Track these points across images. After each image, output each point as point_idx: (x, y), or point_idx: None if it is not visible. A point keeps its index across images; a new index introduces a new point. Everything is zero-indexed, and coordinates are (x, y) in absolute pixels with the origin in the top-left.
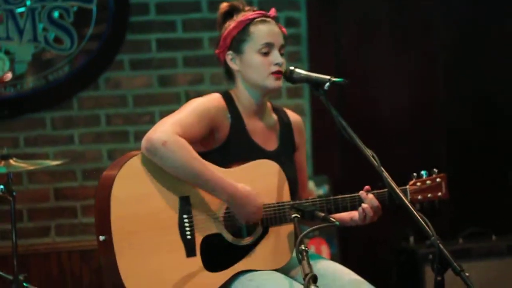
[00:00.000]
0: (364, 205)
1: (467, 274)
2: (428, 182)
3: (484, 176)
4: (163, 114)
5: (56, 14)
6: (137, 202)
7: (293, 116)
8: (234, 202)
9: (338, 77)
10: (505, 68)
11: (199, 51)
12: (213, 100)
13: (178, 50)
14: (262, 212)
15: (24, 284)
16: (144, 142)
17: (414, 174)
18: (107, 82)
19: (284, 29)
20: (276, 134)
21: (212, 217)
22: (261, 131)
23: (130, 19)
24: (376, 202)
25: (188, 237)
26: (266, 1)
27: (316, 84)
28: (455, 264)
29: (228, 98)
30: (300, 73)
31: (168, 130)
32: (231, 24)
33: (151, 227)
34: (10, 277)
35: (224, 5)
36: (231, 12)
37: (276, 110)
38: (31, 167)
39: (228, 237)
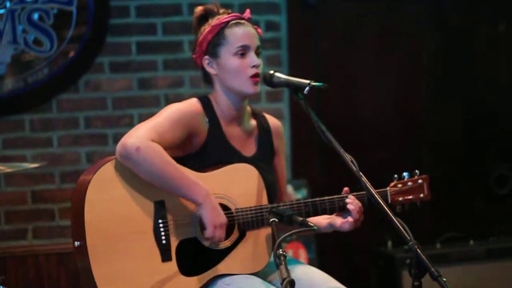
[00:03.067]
0: (350, 212)
1: (444, 279)
2: (409, 183)
3: (463, 181)
4: (143, 117)
5: (36, 16)
6: (111, 206)
7: (272, 121)
8: (203, 211)
9: (318, 82)
10: (490, 71)
11: (179, 54)
12: (190, 105)
13: (158, 53)
14: (224, 232)
15: (1, 287)
16: (118, 147)
17: (396, 175)
18: (86, 85)
19: (260, 30)
20: (255, 139)
21: (188, 222)
22: (239, 136)
23: (110, 21)
24: (359, 204)
25: (163, 241)
26: (246, 4)
27: (295, 88)
28: (432, 269)
29: (206, 103)
30: (280, 77)
31: (142, 136)
32: (206, 29)
33: (125, 232)
34: None
35: (198, 9)
36: (205, 16)
37: (255, 115)
38: (9, 170)
39: (205, 241)
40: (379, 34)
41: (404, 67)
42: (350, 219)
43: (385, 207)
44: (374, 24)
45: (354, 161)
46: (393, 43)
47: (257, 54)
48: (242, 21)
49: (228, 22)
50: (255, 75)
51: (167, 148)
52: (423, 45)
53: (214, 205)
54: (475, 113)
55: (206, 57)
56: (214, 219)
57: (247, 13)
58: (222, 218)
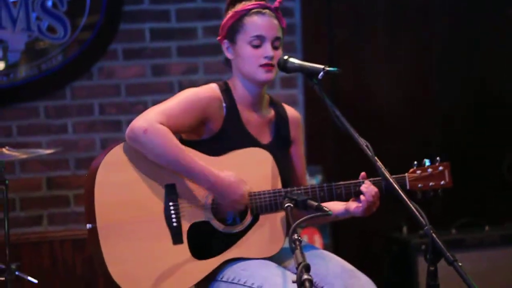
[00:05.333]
0: (363, 194)
1: (460, 264)
2: (429, 170)
3: (478, 166)
4: (156, 104)
5: (49, 3)
6: (121, 188)
7: (291, 111)
8: (216, 189)
9: (332, 67)
10: (500, 57)
11: (193, 40)
12: (206, 90)
13: (172, 39)
14: (248, 200)
15: (16, 273)
16: (127, 130)
17: (415, 162)
18: (100, 72)
19: (283, 21)
20: (271, 127)
21: (200, 205)
22: (256, 122)
23: (124, 8)
24: (375, 189)
25: (174, 224)
26: None
27: (310, 74)
28: (448, 254)
29: (224, 88)
30: (294, 63)
31: (151, 118)
32: (229, 14)
33: (136, 214)
34: (3, 266)
35: None
36: (236, 1)
37: (274, 104)
38: (24, 156)
39: (216, 224)
40: (392, 20)
41: (415, 53)
42: (364, 203)
43: (400, 191)
44: (388, 11)
45: (369, 146)
46: (403, 29)
47: (275, 45)
48: (264, 10)
49: (249, 9)
50: (266, 65)
51: (179, 132)
52: (433, 31)
53: (227, 180)
54: (487, 99)
55: (225, 41)
56: (230, 196)
57: (276, 3)
58: (239, 190)
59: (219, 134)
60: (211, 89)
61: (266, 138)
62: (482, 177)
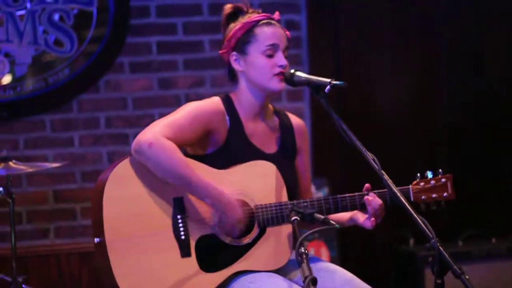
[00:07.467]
0: (369, 205)
1: (467, 276)
2: (432, 182)
3: (484, 177)
4: (163, 117)
5: (56, 16)
6: (129, 202)
7: (295, 120)
8: (217, 208)
9: (338, 80)
10: (508, 67)
11: (199, 54)
12: (210, 103)
13: (179, 53)
14: (245, 223)
15: (23, 286)
16: (133, 143)
17: (418, 174)
18: (107, 85)
19: (288, 32)
20: (276, 137)
21: (207, 218)
22: (260, 133)
23: (131, 21)
24: (379, 201)
25: (182, 237)
26: (267, 3)
27: (316, 87)
28: (455, 266)
29: (227, 101)
30: (300, 76)
31: (156, 132)
32: (236, 25)
33: (144, 228)
34: (9, 279)
35: (228, 7)
36: (235, 14)
37: (277, 113)
38: (31, 169)
39: (224, 237)
40: (397, 31)
41: (421, 64)
42: (371, 213)
43: (407, 204)
44: (393, 21)
45: (376, 160)
46: (409, 41)
47: (285, 55)
48: (273, 21)
49: (259, 20)
50: (281, 73)
51: (184, 145)
52: (440, 41)
53: (226, 204)
54: (492, 110)
55: (234, 53)
56: (229, 216)
57: (277, 15)
58: (237, 214)
59: (224, 146)
60: (214, 102)
61: (271, 148)
62: (489, 188)
